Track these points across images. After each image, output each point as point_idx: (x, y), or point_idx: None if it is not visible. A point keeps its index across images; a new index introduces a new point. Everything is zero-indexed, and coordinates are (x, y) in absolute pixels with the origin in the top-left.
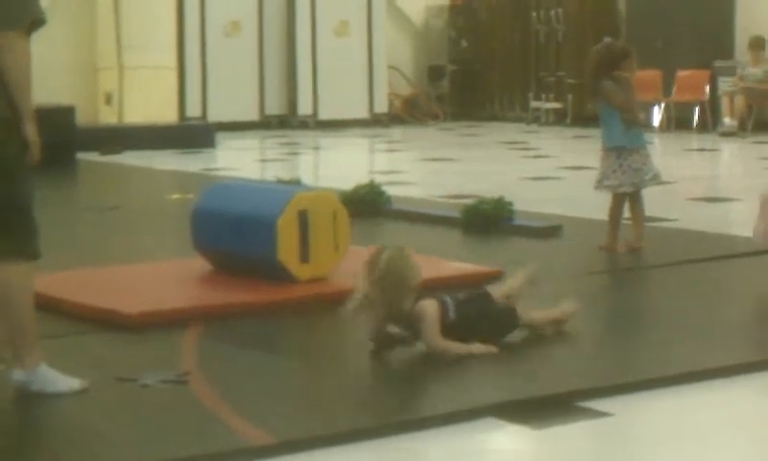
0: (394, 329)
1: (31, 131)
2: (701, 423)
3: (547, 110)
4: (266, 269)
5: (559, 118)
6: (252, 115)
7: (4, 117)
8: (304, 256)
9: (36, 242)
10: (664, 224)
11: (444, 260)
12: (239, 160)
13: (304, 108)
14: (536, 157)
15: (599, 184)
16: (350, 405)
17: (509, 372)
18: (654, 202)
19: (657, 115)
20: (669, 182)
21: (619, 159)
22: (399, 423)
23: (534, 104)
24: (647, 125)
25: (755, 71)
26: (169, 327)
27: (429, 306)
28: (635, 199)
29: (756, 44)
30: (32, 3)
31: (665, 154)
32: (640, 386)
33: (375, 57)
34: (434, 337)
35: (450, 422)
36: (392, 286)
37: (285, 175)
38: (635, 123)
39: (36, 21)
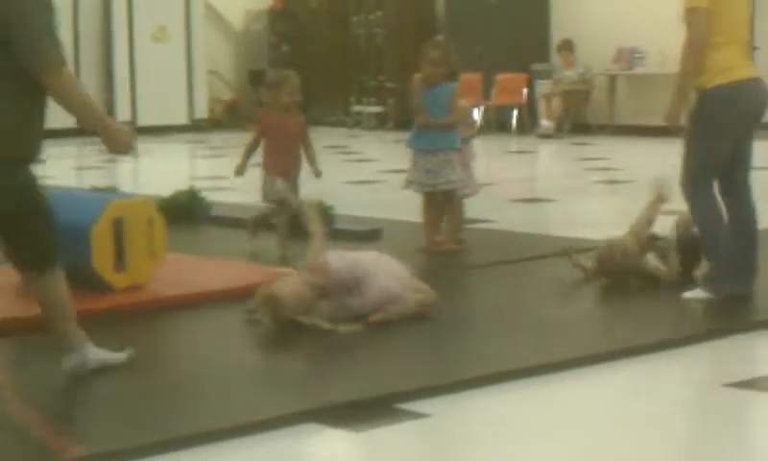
0: None
1: (112, 138)
2: (520, 421)
3: (369, 114)
4: (81, 278)
5: (380, 122)
6: (67, 122)
7: (10, 156)
8: (120, 264)
9: (49, 252)
10: (484, 225)
11: (265, 266)
12: (55, 169)
13: (123, 113)
14: (358, 160)
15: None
16: (168, 414)
17: (328, 375)
18: (474, 203)
19: (477, 118)
20: (489, 184)
21: (414, 158)
22: (216, 431)
23: (355, 108)
24: (432, 126)
25: (569, 74)
26: None
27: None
28: (448, 201)
29: (564, 47)
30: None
31: (485, 156)
32: (460, 386)
33: (195, 62)
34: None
35: (269, 428)
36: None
37: (102, 183)
38: (422, 125)
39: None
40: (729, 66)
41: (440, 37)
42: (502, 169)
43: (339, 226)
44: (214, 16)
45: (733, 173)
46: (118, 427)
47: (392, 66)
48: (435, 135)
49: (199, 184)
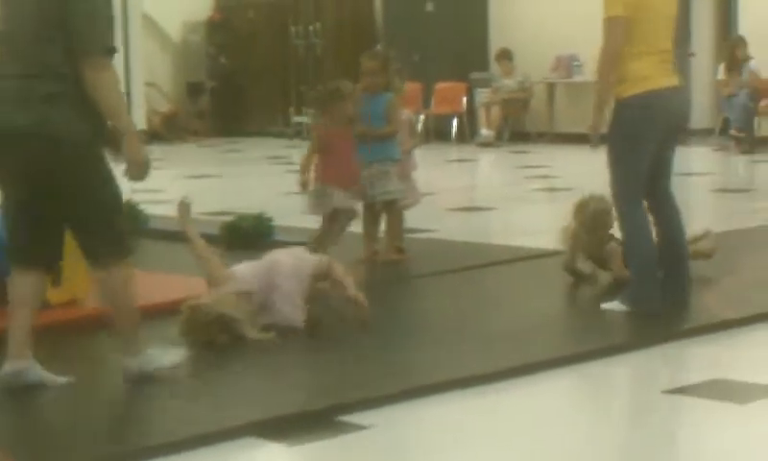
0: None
1: (133, 148)
2: (464, 430)
3: (309, 125)
4: None
5: None
6: None
7: (83, 140)
8: (56, 280)
9: (125, 243)
10: (425, 234)
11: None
12: None
13: None
14: (298, 171)
15: None
16: (107, 429)
17: (268, 387)
18: (414, 213)
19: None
20: (429, 194)
21: None
22: (156, 445)
23: (295, 118)
24: (369, 135)
25: (508, 82)
26: None
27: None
28: (388, 211)
29: (503, 56)
30: (112, 31)
31: (425, 165)
32: (402, 397)
33: (132, 73)
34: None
35: (209, 442)
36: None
37: None
38: (359, 135)
39: (113, 49)
40: (645, 76)
41: (378, 47)
42: (442, 178)
43: (278, 237)
44: (152, 28)
45: (656, 184)
46: (56, 443)
47: (331, 76)
48: (373, 147)
49: (137, 197)
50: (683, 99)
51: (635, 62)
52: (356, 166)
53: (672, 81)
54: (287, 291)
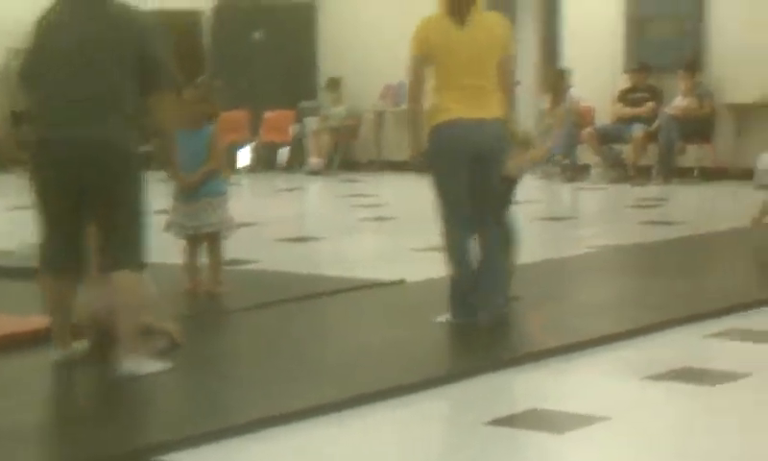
0: None
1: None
2: None
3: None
4: None
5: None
6: None
7: (138, 153)
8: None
9: (143, 254)
10: (248, 266)
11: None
12: None
13: None
14: None
15: None
16: None
17: (86, 425)
18: (238, 244)
19: (245, 156)
20: (255, 224)
21: (174, 202)
22: None
23: None
24: (191, 185)
25: (337, 110)
26: None
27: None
28: (210, 242)
29: (332, 85)
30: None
31: (253, 195)
32: (221, 435)
33: None
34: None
35: None
36: None
37: None
38: (184, 187)
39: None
40: (446, 108)
41: (203, 77)
42: (269, 208)
43: None
44: None
45: (476, 210)
46: None
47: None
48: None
49: None
50: (486, 129)
51: (437, 96)
52: None
53: (476, 113)
54: None
